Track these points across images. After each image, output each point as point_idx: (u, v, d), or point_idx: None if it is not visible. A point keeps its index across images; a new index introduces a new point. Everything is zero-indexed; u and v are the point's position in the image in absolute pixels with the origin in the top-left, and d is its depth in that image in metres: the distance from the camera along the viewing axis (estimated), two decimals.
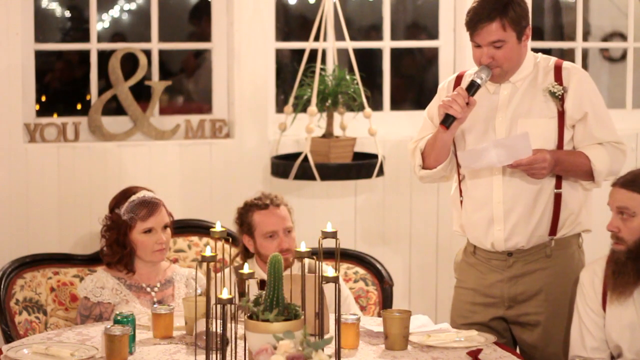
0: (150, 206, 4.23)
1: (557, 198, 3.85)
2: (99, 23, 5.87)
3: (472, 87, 3.78)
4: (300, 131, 5.15)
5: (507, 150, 3.71)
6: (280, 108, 5.42)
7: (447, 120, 3.75)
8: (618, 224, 3.62)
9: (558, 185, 3.85)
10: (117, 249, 4.24)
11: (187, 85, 6.00)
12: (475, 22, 3.75)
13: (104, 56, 5.21)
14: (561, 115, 3.81)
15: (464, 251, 4.04)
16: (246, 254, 4.39)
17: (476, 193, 3.91)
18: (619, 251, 3.61)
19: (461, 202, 3.98)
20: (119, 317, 3.52)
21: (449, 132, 3.78)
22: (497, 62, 3.77)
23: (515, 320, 3.93)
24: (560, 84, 3.82)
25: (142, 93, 5.31)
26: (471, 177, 3.93)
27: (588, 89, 3.85)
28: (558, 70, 3.85)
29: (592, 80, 3.90)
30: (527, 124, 3.80)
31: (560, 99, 3.80)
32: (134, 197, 4.26)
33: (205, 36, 5.42)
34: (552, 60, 3.90)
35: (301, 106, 5.10)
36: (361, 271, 4.68)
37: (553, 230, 3.87)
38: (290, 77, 5.76)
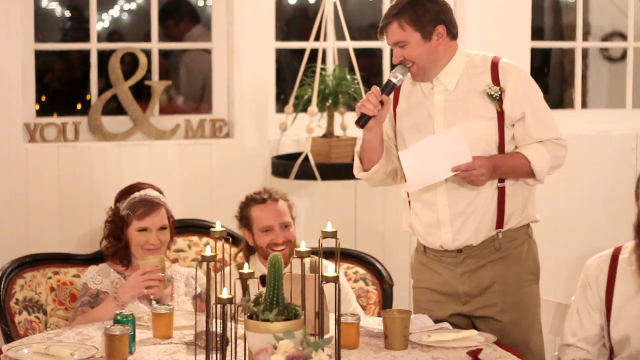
0: (149, 206, 4.24)
1: (501, 192, 3.82)
2: (98, 23, 5.87)
3: (387, 86, 3.80)
4: (301, 131, 5.15)
5: (445, 150, 3.69)
6: (280, 108, 5.42)
7: (362, 119, 3.79)
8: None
9: (500, 180, 3.82)
10: (113, 241, 4.27)
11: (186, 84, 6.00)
12: (381, 25, 3.83)
13: (104, 56, 5.21)
14: (500, 115, 3.79)
15: (416, 250, 4.04)
16: (248, 250, 4.40)
17: (422, 196, 3.90)
18: None
19: (409, 202, 3.98)
20: (119, 317, 3.52)
21: (370, 132, 3.81)
22: (408, 60, 3.81)
23: (473, 314, 3.92)
24: (497, 84, 3.79)
25: (142, 93, 5.31)
26: None
27: (526, 87, 3.81)
28: (494, 69, 3.82)
29: (530, 77, 3.86)
30: (466, 127, 3.76)
31: (498, 100, 3.78)
32: (136, 194, 4.28)
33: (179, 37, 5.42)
34: (489, 58, 3.86)
35: (301, 106, 5.10)
36: (361, 271, 4.68)
37: (500, 223, 3.84)
38: (291, 77, 5.76)
